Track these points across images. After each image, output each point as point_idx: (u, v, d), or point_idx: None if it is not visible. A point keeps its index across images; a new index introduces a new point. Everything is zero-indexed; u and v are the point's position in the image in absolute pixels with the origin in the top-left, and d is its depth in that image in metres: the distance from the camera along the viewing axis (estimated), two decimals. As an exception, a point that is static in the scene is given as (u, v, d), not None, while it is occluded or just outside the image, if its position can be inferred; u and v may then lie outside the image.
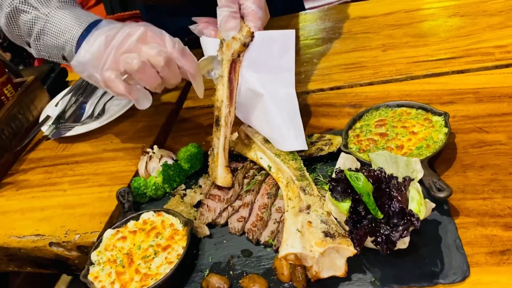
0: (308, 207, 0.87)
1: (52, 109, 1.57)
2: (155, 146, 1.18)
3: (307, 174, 0.98)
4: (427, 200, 0.83)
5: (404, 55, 1.40)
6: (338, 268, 0.80)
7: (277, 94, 1.07)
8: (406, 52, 1.42)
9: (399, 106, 1.12)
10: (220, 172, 1.04)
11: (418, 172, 0.85)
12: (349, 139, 1.07)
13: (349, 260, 0.82)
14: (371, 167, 0.86)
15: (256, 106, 1.09)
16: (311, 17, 1.81)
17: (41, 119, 1.54)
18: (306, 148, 1.04)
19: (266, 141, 1.09)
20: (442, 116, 1.03)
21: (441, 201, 0.89)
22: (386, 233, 0.73)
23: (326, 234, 0.81)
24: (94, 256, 0.96)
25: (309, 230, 0.82)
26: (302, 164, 1.01)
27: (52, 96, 1.66)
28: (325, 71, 1.45)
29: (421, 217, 0.74)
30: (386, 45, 1.48)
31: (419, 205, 0.76)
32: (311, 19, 1.80)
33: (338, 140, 1.09)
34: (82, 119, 1.50)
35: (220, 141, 1.05)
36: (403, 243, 0.79)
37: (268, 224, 0.94)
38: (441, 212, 0.88)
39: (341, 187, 0.79)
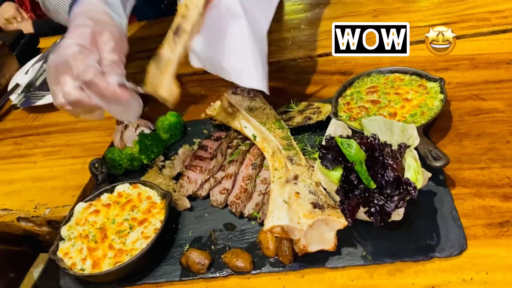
0: (296, 177, 0.80)
1: (21, 76, 1.47)
2: (131, 115, 1.10)
3: (294, 143, 0.91)
4: (423, 169, 0.78)
5: (396, 21, 1.33)
6: (327, 241, 0.75)
7: (256, 23, 0.92)
8: (398, 18, 1.35)
9: (391, 72, 1.05)
10: (167, 81, 0.89)
11: (415, 139, 0.79)
12: (339, 107, 1.01)
13: (339, 233, 0.76)
14: (363, 134, 0.80)
15: (226, 29, 0.92)
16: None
17: (9, 87, 1.44)
18: (267, 91, 0.92)
19: (251, 109, 1.02)
20: (438, 82, 0.97)
21: (436, 171, 0.84)
22: (380, 203, 0.67)
23: (315, 205, 0.75)
24: (64, 231, 0.89)
25: (296, 201, 0.76)
26: (289, 133, 0.94)
27: (22, 63, 1.55)
28: (313, 37, 1.37)
29: (419, 186, 0.69)
30: (377, 10, 1.41)
31: (416, 173, 0.70)
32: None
33: (327, 109, 1.02)
34: (54, 87, 1.40)
35: (178, 50, 0.91)
36: (397, 215, 0.73)
37: (252, 196, 0.88)
38: (436, 182, 0.83)
39: (331, 155, 0.73)
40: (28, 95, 1.36)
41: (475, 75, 1.05)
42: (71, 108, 0.83)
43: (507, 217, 0.76)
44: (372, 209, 0.67)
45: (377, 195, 0.69)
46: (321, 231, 0.75)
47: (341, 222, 0.74)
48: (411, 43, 1.20)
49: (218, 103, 1.10)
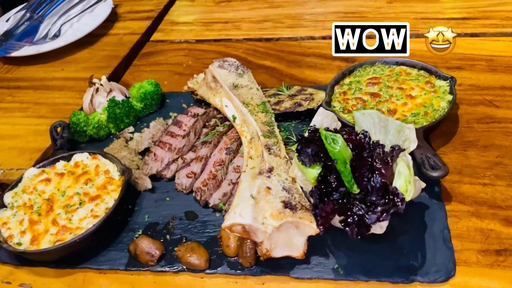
0: (270, 170, 0.70)
1: (1, 24, 1.35)
2: (104, 77, 0.99)
3: (277, 131, 0.80)
4: (416, 178, 0.67)
5: (411, 10, 1.21)
6: (296, 247, 0.65)
7: None
8: (415, 6, 1.22)
9: (398, 64, 0.94)
10: None
11: (412, 142, 0.68)
12: (333, 96, 0.90)
13: (311, 239, 0.66)
14: (354, 130, 0.69)
15: None
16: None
17: (-13, 34, 1.32)
18: None
19: (236, 87, 0.91)
20: (448, 81, 0.86)
21: (432, 181, 0.73)
22: (360, 213, 0.57)
23: (286, 204, 0.64)
24: (8, 197, 0.79)
25: (266, 198, 0.65)
26: (273, 119, 0.83)
27: (5, 11, 1.44)
28: (319, 17, 1.26)
29: (407, 198, 0.58)
30: (391, -3, 1.28)
31: (407, 182, 0.59)
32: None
33: (320, 96, 0.91)
34: (35, 39, 1.30)
35: None
36: (379, 227, 0.63)
37: (221, 185, 0.78)
38: (430, 194, 0.72)
39: (312, 149, 0.62)
40: (5, 44, 1.25)
41: (491, 78, 0.94)
42: None
43: (506, 245, 0.65)
44: (349, 219, 0.57)
45: (358, 202, 0.58)
46: (290, 235, 0.65)
47: (314, 228, 0.63)
48: (423, 36, 1.09)
49: (202, 75, 0.99)
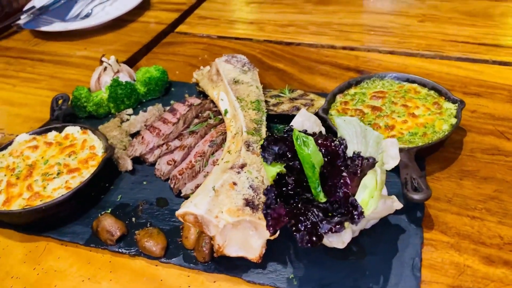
0: (242, 166, 0.67)
1: (40, 0, 1.41)
2: (112, 57, 1.00)
3: (264, 130, 0.78)
4: (392, 196, 0.63)
5: (442, 31, 1.15)
6: (252, 249, 0.62)
7: None
8: (447, 28, 1.16)
9: (409, 81, 0.89)
10: None
11: (393, 158, 0.63)
12: (334, 104, 0.86)
13: (272, 245, 0.63)
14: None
15: None
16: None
17: (25, 8, 1.39)
18: None
19: (236, 82, 0.90)
20: (457, 104, 0.80)
21: (414, 205, 0.68)
22: (314, 220, 0.53)
23: (248, 203, 0.62)
24: (-6, 158, 0.81)
25: (228, 192, 0.63)
26: (263, 118, 0.81)
27: (47, -12, 1.50)
28: (345, 27, 1.22)
29: (366, 212, 0.54)
30: (427, 15, 1.23)
31: (370, 196, 0.55)
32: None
33: (320, 103, 0.88)
34: (67, 17, 1.34)
35: None
36: (340, 242, 0.59)
37: (197, 176, 0.76)
38: (411, 218, 0.67)
39: (279, 147, 0.59)
40: (36, 18, 1.30)
41: (509, 109, 0.87)
42: None
43: (481, 285, 0.59)
44: (300, 225, 0.53)
45: (315, 209, 0.54)
46: (247, 236, 0.62)
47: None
48: (449, 58, 1.04)
49: (208, 68, 0.99)
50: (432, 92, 0.85)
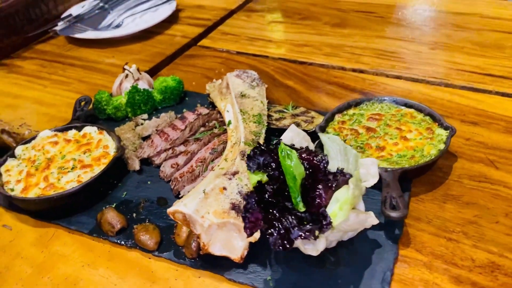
0: (235, 173, 0.73)
1: (77, 8, 1.53)
2: (134, 66, 1.09)
3: (261, 142, 0.83)
4: (369, 212, 0.67)
5: (451, 59, 1.18)
6: (235, 250, 0.67)
7: None
8: (456, 57, 1.19)
9: (407, 105, 0.93)
10: None
11: (373, 176, 0.68)
12: (332, 123, 0.91)
13: (255, 247, 0.68)
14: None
15: None
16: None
17: (63, 15, 1.50)
18: None
19: (242, 96, 0.96)
20: (448, 131, 0.84)
21: (395, 224, 0.72)
22: (287, 226, 0.58)
23: (234, 207, 0.67)
24: (19, 149, 0.90)
25: (216, 196, 0.69)
26: (263, 131, 0.87)
27: (85, -2, 1.62)
28: (357, 50, 1.27)
29: (335, 223, 0.59)
30: (438, 43, 1.26)
31: (339, 209, 0.60)
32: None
33: (320, 120, 0.93)
34: (99, 26, 1.45)
35: None
36: (315, 250, 0.64)
37: (196, 180, 0.82)
38: (389, 235, 0.71)
39: (264, 158, 0.65)
40: (71, 26, 1.41)
41: (503, 139, 0.89)
42: None
43: (444, 302, 0.62)
44: (273, 230, 0.58)
45: (290, 217, 0.59)
46: (231, 237, 0.67)
47: (254, 236, 0.66)
48: (454, 86, 1.07)
49: (219, 81, 1.05)
50: (427, 117, 0.89)
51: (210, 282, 0.68)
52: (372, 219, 0.67)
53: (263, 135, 0.86)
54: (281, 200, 0.63)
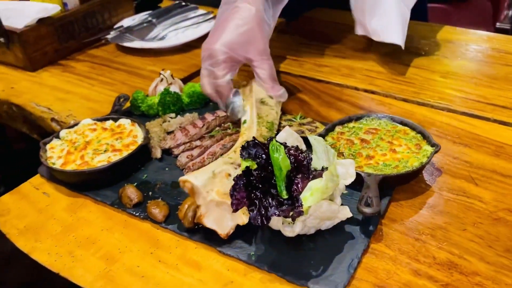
0: (240, 165, 0.85)
1: (128, 21, 1.73)
2: (168, 71, 1.24)
3: None
4: (345, 206, 0.77)
5: (459, 88, 1.26)
6: (223, 227, 0.79)
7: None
8: (464, 86, 1.27)
9: (402, 123, 1.02)
10: None
11: (351, 175, 0.79)
12: (332, 133, 1.02)
13: (246, 227, 0.80)
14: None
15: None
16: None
17: (116, 26, 1.70)
18: (402, 45, 1.28)
19: (262, 102, 1.08)
20: (434, 148, 0.93)
21: (370, 221, 0.82)
22: (266, 205, 0.70)
23: None
24: (63, 132, 1.07)
25: (222, 179, 0.81)
26: (271, 137, 0.98)
27: (137, 12, 1.82)
28: (372, 74, 1.37)
29: (305, 205, 0.70)
30: (450, 73, 1.34)
31: (311, 194, 0.71)
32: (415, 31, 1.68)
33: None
34: (146, 37, 1.63)
35: None
36: (292, 232, 0.75)
37: (205, 170, 0.95)
38: (363, 230, 0.81)
39: (257, 150, 0.76)
40: (121, 35, 1.60)
41: (489, 161, 0.97)
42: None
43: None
44: (254, 207, 0.70)
45: (270, 199, 0.71)
46: (223, 216, 0.79)
47: (243, 219, 0.78)
48: (455, 112, 1.15)
49: (245, 83, 1.18)
50: (418, 135, 0.98)
51: (204, 252, 0.80)
52: (346, 212, 0.77)
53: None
54: (267, 186, 0.75)
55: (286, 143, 0.81)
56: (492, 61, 1.39)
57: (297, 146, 0.81)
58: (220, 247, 0.80)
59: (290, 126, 1.08)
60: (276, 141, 0.77)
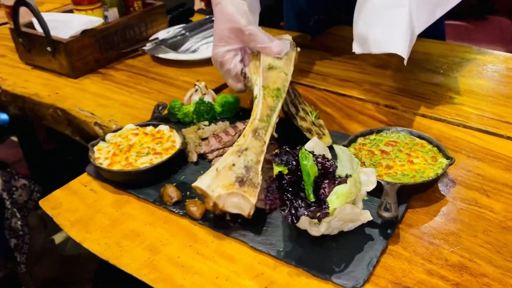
0: (245, 150, 0.92)
1: (163, 33, 1.84)
2: (203, 83, 1.35)
3: (274, 116, 0.98)
4: (364, 210, 0.86)
5: (475, 106, 1.34)
6: (243, 210, 0.88)
7: (416, 17, 1.20)
8: (480, 104, 1.35)
9: (420, 137, 1.10)
10: None
11: (372, 183, 0.87)
12: (354, 144, 1.11)
13: (273, 228, 0.89)
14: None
15: (385, 14, 1.19)
16: (438, 46, 1.78)
17: (151, 38, 1.82)
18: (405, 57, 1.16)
19: (269, 68, 1.07)
20: (449, 161, 1.01)
21: (388, 224, 0.90)
22: (296, 206, 0.79)
23: (238, 179, 0.88)
24: (109, 136, 1.18)
25: (226, 173, 0.90)
26: (279, 104, 1.00)
27: (171, 25, 1.94)
28: (394, 89, 1.46)
29: (331, 207, 0.78)
30: (467, 91, 1.42)
31: (337, 197, 0.79)
32: (434, 49, 1.76)
33: (327, 140, 1.12)
34: (179, 49, 1.74)
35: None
36: (318, 232, 0.84)
37: (237, 173, 1.05)
38: (381, 232, 0.89)
39: (288, 157, 0.86)
40: (156, 47, 1.72)
41: (500, 175, 1.04)
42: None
43: (411, 285, 0.79)
44: (285, 207, 0.80)
45: (300, 201, 0.80)
46: (239, 202, 0.88)
47: (250, 201, 0.87)
48: (471, 128, 1.22)
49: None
50: (435, 148, 1.06)
51: (237, 247, 0.90)
52: (367, 215, 0.86)
53: (278, 109, 1.00)
54: (296, 190, 0.84)
55: (313, 152, 0.90)
56: (508, 81, 1.47)
57: (323, 155, 0.91)
58: (252, 243, 0.89)
59: (304, 119, 1.15)
60: (305, 149, 0.87)
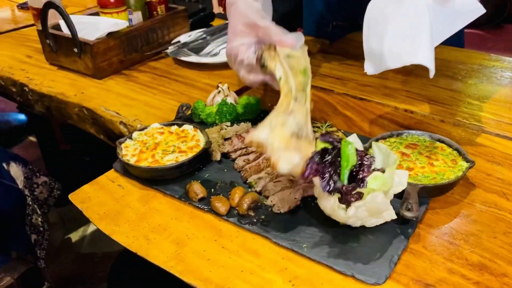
0: (291, 112, 0.96)
1: (185, 37, 1.89)
2: (226, 85, 1.39)
3: (308, 88, 1.04)
4: (390, 207, 0.88)
5: (493, 112, 1.36)
6: (295, 168, 0.89)
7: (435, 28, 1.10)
8: (499, 110, 1.36)
9: (440, 140, 1.12)
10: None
11: (402, 184, 0.90)
12: (375, 146, 1.13)
13: (297, 226, 0.91)
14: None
15: (410, 21, 1.10)
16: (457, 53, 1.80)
17: (173, 41, 1.87)
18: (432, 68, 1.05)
19: (289, 57, 1.11)
20: (469, 164, 1.03)
21: (409, 224, 0.92)
22: (334, 179, 0.85)
23: (293, 134, 0.92)
24: (135, 134, 1.22)
25: (280, 128, 0.92)
26: (309, 81, 1.05)
27: (192, 29, 1.98)
28: (412, 94, 1.48)
29: (369, 186, 0.84)
30: (486, 97, 1.44)
31: (375, 179, 0.84)
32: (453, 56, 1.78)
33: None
34: (200, 53, 1.78)
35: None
36: (343, 215, 0.88)
37: (261, 172, 1.08)
38: (402, 231, 0.91)
39: (333, 139, 0.90)
40: (179, 50, 1.76)
41: (520, 179, 1.06)
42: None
43: (437, 284, 0.81)
44: (324, 178, 0.85)
45: (335, 176, 0.86)
46: (291, 156, 0.90)
47: (307, 153, 0.89)
48: (489, 133, 1.24)
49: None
50: (455, 152, 1.08)
51: (261, 242, 0.92)
52: (391, 213, 0.88)
53: (309, 83, 1.05)
54: (334, 171, 0.87)
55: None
56: (527, 88, 1.48)
57: (363, 149, 0.93)
58: (275, 239, 0.92)
59: (315, 132, 1.18)
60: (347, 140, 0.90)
